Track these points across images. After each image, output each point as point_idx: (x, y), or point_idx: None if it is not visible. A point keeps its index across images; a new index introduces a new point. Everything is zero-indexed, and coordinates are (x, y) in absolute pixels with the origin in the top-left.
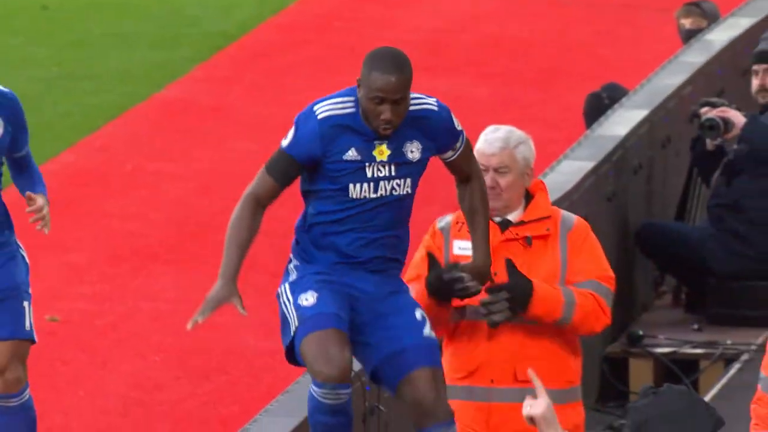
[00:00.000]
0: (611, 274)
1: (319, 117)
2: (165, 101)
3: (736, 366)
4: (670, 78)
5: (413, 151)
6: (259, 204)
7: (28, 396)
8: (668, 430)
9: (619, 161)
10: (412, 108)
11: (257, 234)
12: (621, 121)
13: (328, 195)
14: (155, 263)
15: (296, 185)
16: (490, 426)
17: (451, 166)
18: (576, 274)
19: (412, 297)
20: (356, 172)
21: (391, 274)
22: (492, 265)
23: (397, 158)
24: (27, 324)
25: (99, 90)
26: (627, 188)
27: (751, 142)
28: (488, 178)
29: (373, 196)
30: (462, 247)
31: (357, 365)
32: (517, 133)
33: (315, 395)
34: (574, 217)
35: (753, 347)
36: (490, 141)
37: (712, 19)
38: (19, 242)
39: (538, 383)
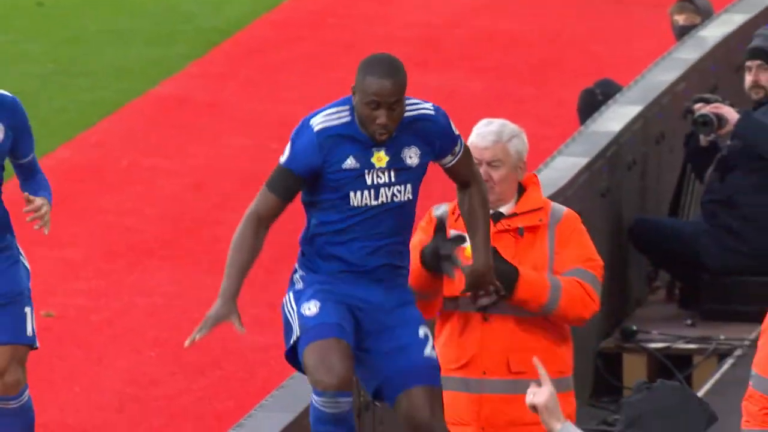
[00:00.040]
0: (599, 261)
1: (316, 129)
2: (160, 97)
3: (729, 361)
4: (663, 74)
5: (412, 156)
6: (262, 223)
7: (27, 398)
8: (662, 425)
9: (613, 157)
10: (408, 113)
11: (260, 253)
12: (615, 117)
13: (329, 205)
14: (151, 259)
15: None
16: (481, 417)
17: (450, 172)
18: (563, 265)
19: (418, 310)
20: (356, 180)
21: (398, 283)
22: None
23: (396, 164)
24: (29, 330)
25: (94, 86)
26: (621, 184)
27: (744, 138)
28: (481, 172)
29: (374, 203)
30: None
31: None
32: (510, 126)
33: (316, 404)
34: (563, 209)
35: (746, 343)
36: (483, 134)
37: (706, 15)
38: (20, 248)
39: (543, 372)
